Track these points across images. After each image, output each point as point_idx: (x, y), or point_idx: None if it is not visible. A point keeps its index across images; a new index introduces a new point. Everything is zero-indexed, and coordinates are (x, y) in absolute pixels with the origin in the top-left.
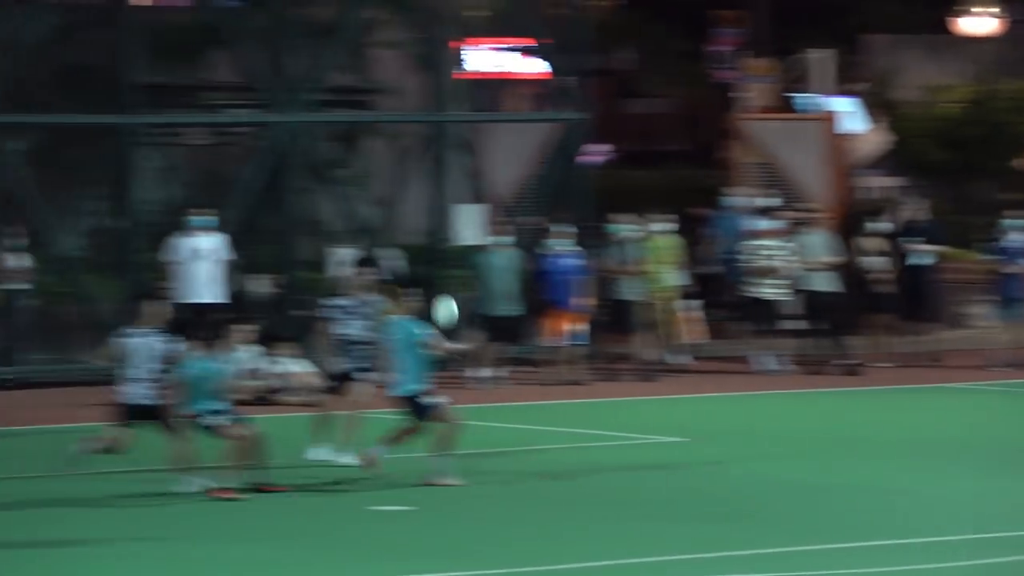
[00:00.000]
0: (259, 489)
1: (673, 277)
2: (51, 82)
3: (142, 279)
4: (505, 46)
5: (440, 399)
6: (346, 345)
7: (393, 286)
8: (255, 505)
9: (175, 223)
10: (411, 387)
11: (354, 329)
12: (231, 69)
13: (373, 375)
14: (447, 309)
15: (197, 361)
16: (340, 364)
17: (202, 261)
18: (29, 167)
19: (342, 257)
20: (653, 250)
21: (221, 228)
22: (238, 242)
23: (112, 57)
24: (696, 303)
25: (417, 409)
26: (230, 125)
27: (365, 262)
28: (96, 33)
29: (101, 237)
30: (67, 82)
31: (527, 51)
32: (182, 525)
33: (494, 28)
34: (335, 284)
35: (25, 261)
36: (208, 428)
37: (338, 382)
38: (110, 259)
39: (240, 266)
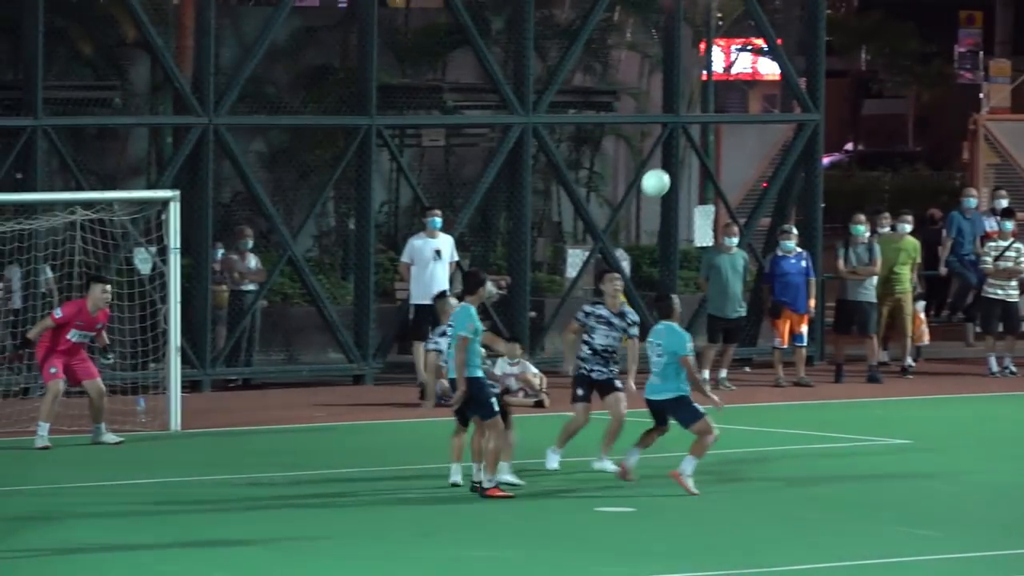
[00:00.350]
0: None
1: (908, 279)
2: (292, 84)
3: (376, 279)
4: (743, 47)
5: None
6: (595, 353)
7: (666, 298)
8: (490, 507)
9: (411, 224)
10: (671, 392)
11: (602, 338)
12: (472, 70)
13: (620, 383)
14: (657, 179)
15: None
16: (588, 372)
17: (438, 262)
18: (267, 170)
19: (576, 258)
20: (889, 251)
21: (455, 229)
22: (473, 242)
23: (354, 58)
24: (922, 304)
25: (687, 414)
26: (470, 126)
27: (611, 270)
28: (338, 34)
29: (336, 238)
30: (308, 83)
31: (764, 52)
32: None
33: (732, 30)
34: (596, 292)
35: (254, 262)
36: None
37: (584, 390)
38: (345, 260)
39: (474, 265)
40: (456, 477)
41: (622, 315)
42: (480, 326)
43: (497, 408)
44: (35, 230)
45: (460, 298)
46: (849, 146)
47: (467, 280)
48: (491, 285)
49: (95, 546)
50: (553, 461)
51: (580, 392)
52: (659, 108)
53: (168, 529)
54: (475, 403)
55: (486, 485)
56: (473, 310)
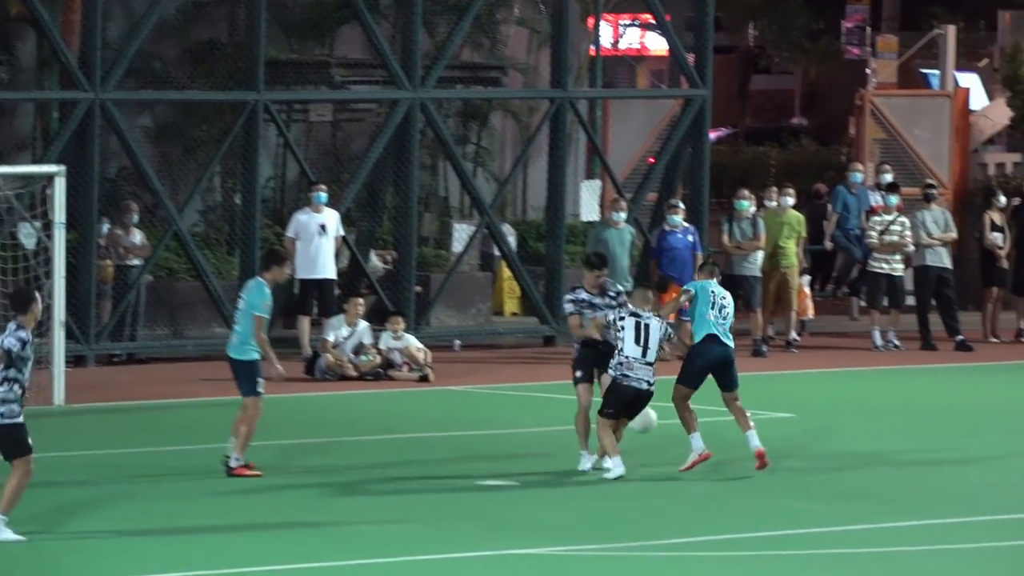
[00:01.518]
0: None
1: (794, 253)
2: (179, 58)
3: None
4: (631, 23)
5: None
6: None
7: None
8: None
9: (298, 200)
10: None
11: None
12: (360, 45)
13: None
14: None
15: None
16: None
17: (323, 237)
18: (153, 144)
19: (462, 233)
20: (774, 226)
21: (342, 204)
22: (359, 217)
23: (242, 33)
24: (807, 279)
25: None
26: (358, 101)
27: (598, 260)
28: (226, 9)
29: (222, 213)
30: (195, 58)
31: (652, 27)
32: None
33: (620, 5)
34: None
35: (139, 238)
36: None
37: (584, 371)
38: (231, 235)
39: (359, 241)
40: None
41: (603, 292)
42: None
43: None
44: None
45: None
46: (737, 121)
47: (266, 257)
48: (376, 258)
49: None
50: (586, 462)
51: (579, 374)
52: (547, 83)
53: (46, 503)
54: (239, 381)
55: (232, 464)
56: (267, 288)
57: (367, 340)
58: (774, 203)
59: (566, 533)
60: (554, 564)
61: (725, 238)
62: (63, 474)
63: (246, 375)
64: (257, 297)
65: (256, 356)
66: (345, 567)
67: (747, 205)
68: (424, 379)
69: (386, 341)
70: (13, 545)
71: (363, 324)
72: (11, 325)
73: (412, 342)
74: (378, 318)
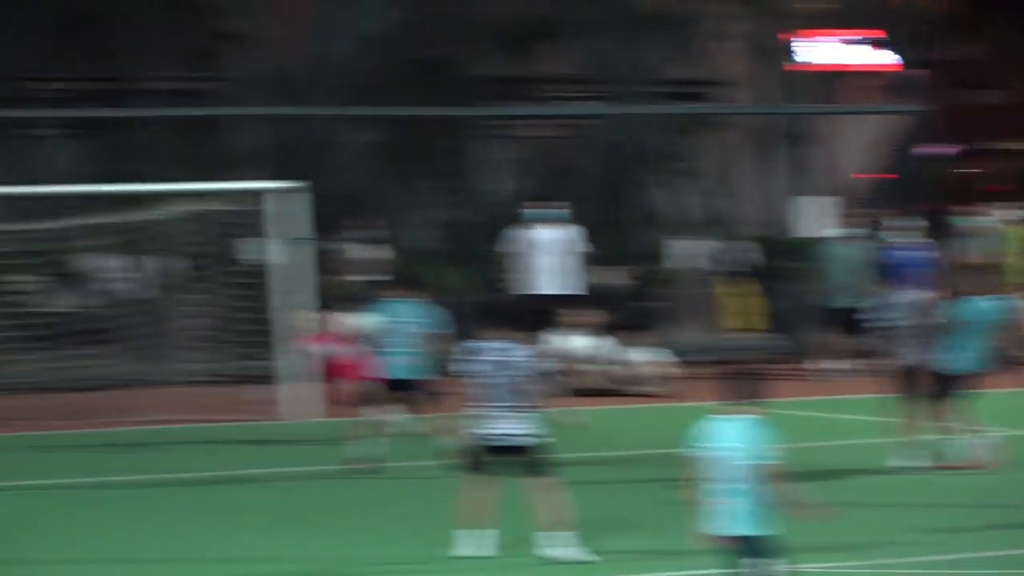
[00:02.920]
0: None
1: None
2: (400, 75)
3: (484, 270)
4: (848, 38)
5: None
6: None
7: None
8: None
9: (517, 215)
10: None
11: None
12: (574, 62)
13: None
14: None
15: None
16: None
17: (544, 253)
18: (380, 160)
19: (682, 249)
20: (1003, 241)
21: (572, 220)
22: (598, 234)
23: (458, 50)
24: None
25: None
26: (572, 117)
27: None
28: (443, 27)
29: (447, 228)
30: (415, 75)
31: (870, 43)
32: None
33: (836, 20)
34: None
35: (374, 252)
36: None
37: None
38: (455, 250)
39: (599, 259)
40: None
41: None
42: None
43: None
44: (147, 221)
45: None
46: (959, 137)
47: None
48: (617, 275)
49: None
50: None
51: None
52: (761, 99)
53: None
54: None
55: None
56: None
57: (604, 353)
58: (1000, 219)
59: (842, 549)
60: None
61: (951, 253)
62: None
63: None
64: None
65: None
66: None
67: (972, 220)
68: (662, 394)
69: (633, 355)
70: None
71: (598, 338)
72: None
73: (656, 356)
74: (621, 333)
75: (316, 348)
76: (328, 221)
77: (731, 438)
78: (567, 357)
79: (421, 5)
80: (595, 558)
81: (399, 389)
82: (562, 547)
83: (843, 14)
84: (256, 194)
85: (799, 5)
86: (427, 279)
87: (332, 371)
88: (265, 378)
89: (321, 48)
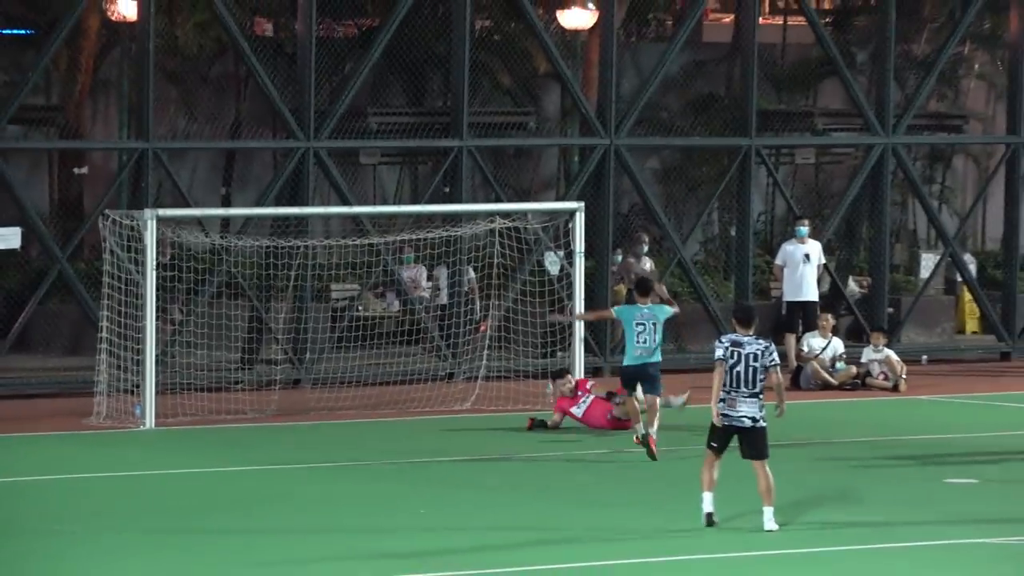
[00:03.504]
0: None
1: None
2: (682, 109)
3: (753, 280)
4: None
5: None
6: None
7: None
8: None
9: (784, 232)
10: None
11: None
12: (839, 97)
13: None
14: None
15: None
16: None
17: (807, 265)
18: (660, 184)
19: (928, 262)
20: None
21: (823, 235)
22: (839, 247)
23: (737, 87)
24: None
25: None
26: (837, 146)
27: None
28: (723, 67)
29: (719, 243)
30: (696, 109)
31: None
32: None
33: None
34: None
35: (649, 265)
36: None
37: None
38: (727, 262)
39: (838, 268)
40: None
41: None
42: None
43: None
44: (460, 236)
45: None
46: None
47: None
48: (853, 283)
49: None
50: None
51: None
52: (1003, 130)
53: None
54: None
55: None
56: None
57: (841, 352)
58: None
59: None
60: (1005, 553)
61: None
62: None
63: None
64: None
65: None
66: (820, 553)
67: None
68: (896, 388)
69: (867, 354)
70: None
71: (835, 339)
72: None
73: (891, 355)
74: (855, 335)
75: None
76: (616, 237)
77: None
78: (818, 356)
79: (715, 49)
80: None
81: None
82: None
83: None
84: (554, 213)
85: None
86: (701, 287)
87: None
88: (560, 373)
89: (617, 87)
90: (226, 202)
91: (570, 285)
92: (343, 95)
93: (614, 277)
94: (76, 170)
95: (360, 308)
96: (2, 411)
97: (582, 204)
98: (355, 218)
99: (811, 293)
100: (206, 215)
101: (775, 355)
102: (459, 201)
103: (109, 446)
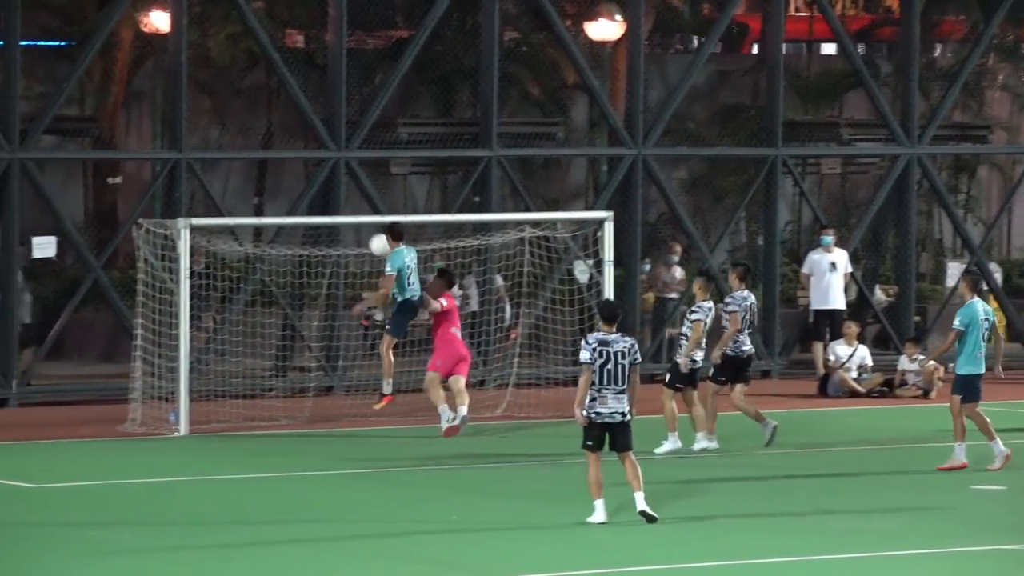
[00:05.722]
0: None
1: None
2: (709, 120)
3: (780, 288)
4: None
5: None
6: None
7: None
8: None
9: (811, 241)
10: None
11: None
12: (864, 108)
13: None
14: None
15: None
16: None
17: (833, 273)
18: (687, 194)
19: (954, 270)
20: None
21: (850, 244)
22: (865, 256)
23: (762, 98)
24: None
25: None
26: (863, 156)
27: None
28: (749, 78)
29: (747, 252)
30: (722, 120)
31: None
32: None
33: None
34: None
35: (679, 274)
36: None
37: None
38: (754, 271)
39: (865, 277)
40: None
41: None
42: None
43: None
44: (490, 245)
45: None
46: None
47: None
48: (880, 292)
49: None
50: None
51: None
52: None
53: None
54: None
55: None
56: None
57: (868, 361)
58: None
59: None
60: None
61: None
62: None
63: None
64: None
65: None
66: (846, 560)
67: None
68: (926, 395)
69: (903, 363)
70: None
71: (861, 347)
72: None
73: (929, 362)
74: (882, 343)
75: None
76: (644, 246)
77: None
78: (844, 364)
79: (740, 59)
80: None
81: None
82: None
83: None
84: (583, 223)
85: None
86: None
87: None
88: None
89: (645, 98)
90: (258, 211)
91: (599, 294)
92: (374, 106)
93: (643, 286)
94: (110, 180)
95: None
96: (38, 418)
97: (611, 213)
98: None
99: (837, 301)
100: (239, 224)
101: (638, 354)
102: (489, 210)
103: (144, 453)
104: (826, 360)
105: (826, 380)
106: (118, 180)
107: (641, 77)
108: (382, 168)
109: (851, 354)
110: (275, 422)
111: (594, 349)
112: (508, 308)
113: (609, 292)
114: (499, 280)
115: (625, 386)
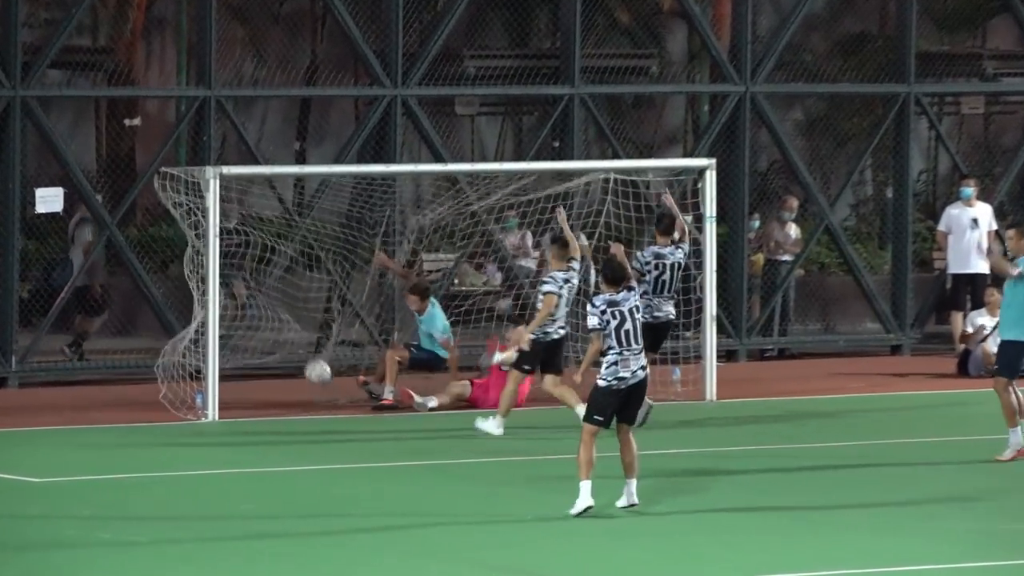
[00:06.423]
0: None
1: None
2: (829, 51)
3: (913, 249)
4: None
5: None
6: None
7: None
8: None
9: (949, 193)
10: None
11: None
12: (1012, 37)
13: None
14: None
15: None
16: None
17: (975, 231)
18: (803, 138)
19: None
20: None
21: (995, 197)
22: (1013, 211)
23: (892, 26)
24: None
25: None
26: (1010, 94)
27: None
28: (876, 2)
29: (873, 207)
30: (845, 51)
31: None
32: None
33: None
34: None
35: (794, 232)
36: None
37: None
38: (882, 229)
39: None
40: None
41: None
42: None
43: None
44: (571, 193)
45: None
46: None
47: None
48: None
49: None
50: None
51: None
52: None
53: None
54: None
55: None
56: None
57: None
58: None
59: None
60: None
61: None
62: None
63: None
64: None
65: None
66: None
67: None
68: None
69: None
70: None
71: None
72: None
73: None
74: None
75: None
76: (752, 200)
77: None
78: (987, 337)
79: None
80: None
81: None
82: None
83: None
84: (681, 172)
85: None
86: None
87: None
88: (690, 358)
89: (754, 26)
90: (300, 159)
91: (700, 254)
92: (435, 35)
93: (752, 245)
94: (127, 122)
95: (456, 281)
96: (41, 400)
97: (713, 161)
98: (450, 177)
99: (980, 264)
100: (277, 173)
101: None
102: (570, 157)
103: (168, 443)
104: (964, 333)
105: (967, 356)
106: (136, 122)
107: (749, 2)
108: (445, 108)
109: (995, 326)
110: (318, 406)
111: (603, 311)
112: (593, 272)
113: (712, 253)
114: (583, 238)
115: (644, 344)
